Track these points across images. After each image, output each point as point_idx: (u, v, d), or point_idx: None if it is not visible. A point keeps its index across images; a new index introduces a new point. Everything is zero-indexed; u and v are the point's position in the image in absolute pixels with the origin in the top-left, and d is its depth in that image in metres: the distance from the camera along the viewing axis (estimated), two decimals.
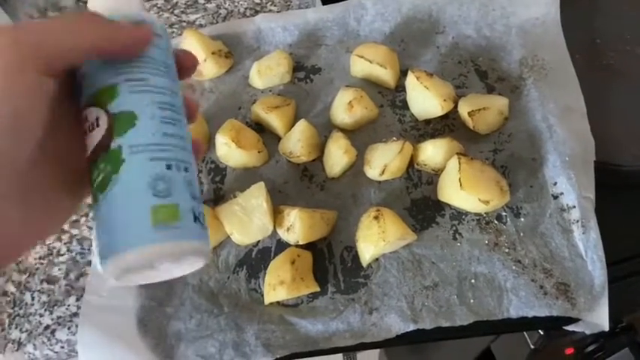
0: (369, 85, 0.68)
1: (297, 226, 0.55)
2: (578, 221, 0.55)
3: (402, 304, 0.53)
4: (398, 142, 0.60)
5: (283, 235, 0.57)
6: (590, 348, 0.60)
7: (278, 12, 0.76)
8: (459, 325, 0.52)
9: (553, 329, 0.53)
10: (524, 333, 0.57)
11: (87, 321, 0.53)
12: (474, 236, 0.57)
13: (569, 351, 0.60)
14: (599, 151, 0.58)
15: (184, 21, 0.77)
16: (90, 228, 0.61)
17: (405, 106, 0.66)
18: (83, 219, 0.62)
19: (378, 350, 1.02)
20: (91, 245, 0.60)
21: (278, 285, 0.53)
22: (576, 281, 0.53)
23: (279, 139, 0.65)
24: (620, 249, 0.57)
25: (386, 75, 0.65)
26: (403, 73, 0.68)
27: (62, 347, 0.55)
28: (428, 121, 0.64)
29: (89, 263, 0.59)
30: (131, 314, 0.54)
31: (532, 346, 0.56)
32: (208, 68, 0.69)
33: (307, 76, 0.70)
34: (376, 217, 0.55)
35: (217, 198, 0.62)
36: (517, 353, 0.60)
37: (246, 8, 0.78)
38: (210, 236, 0.56)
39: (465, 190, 0.54)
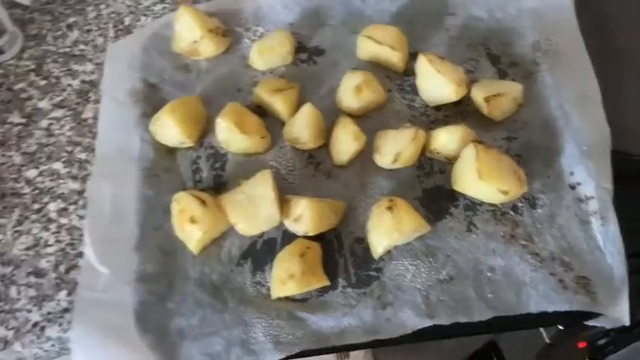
0: (376, 68, 0.64)
1: (306, 217, 0.52)
2: (596, 212, 0.54)
3: (416, 298, 0.51)
4: (410, 128, 0.57)
5: (290, 225, 0.54)
6: (602, 342, 0.59)
7: None
8: (477, 320, 0.50)
9: (573, 324, 0.52)
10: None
11: (81, 318, 0.49)
12: (489, 228, 0.54)
13: (582, 345, 0.59)
14: (614, 140, 0.56)
15: None
16: (80, 217, 0.57)
17: (414, 90, 0.63)
18: (72, 207, 0.57)
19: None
20: (82, 235, 0.55)
21: (287, 279, 0.50)
22: (596, 275, 0.51)
23: (282, 123, 0.61)
24: (635, 241, 0.55)
25: (395, 58, 0.62)
26: (411, 56, 0.65)
27: (53, 345, 0.51)
28: (438, 107, 0.62)
29: (80, 255, 0.55)
30: (129, 311, 0.50)
31: (548, 341, 0.54)
32: (205, 47, 0.64)
33: (310, 58, 0.66)
34: (389, 208, 0.52)
35: (218, 185, 0.58)
36: (528, 347, 0.58)
37: None
38: (213, 227, 0.54)
39: (483, 180, 0.52)
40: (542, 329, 0.55)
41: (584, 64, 0.61)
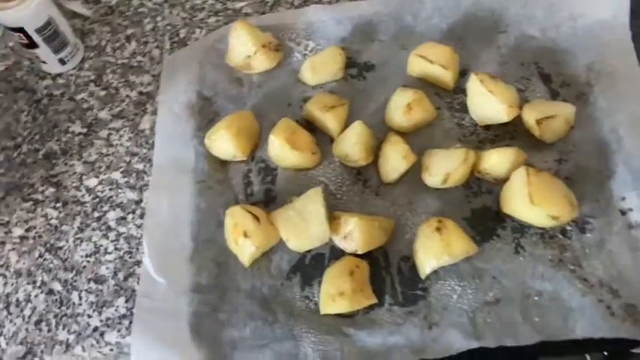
0: (426, 85, 0.65)
1: (356, 235, 0.54)
2: None
3: (462, 319, 0.52)
4: (461, 149, 0.57)
5: (339, 242, 0.55)
6: None
7: (329, 3, 0.73)
8: (523, 344, 0.50)
9: (619, 351, 0.52)
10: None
11: (140, 325, 0.52)
12: (537, 251, 0.55)
13: None
14: None
15: (230, 9, 0.74)
16: (138, 226, 0.59)
17: (463, 109, 0.63)
18: (130, 216, 0.60)
19: None
20: (139, 244, 0.58)
21: (338, 296, 0.51)
22: None
23: (330, 139, 0.62)
24: None
25: (446, 76, 0.63)
26: (461, 74, 0.65)
27: (111, 350, 0.54)
28: (488, 127, 0.62)
29: (137, 263, 0.57)
30: (184, 320, 0.53)
31: None
32: (258, 62, 0.66)
33: (360, 73, 0.67)
34: (438, 229, 0.53)
35: (268, 199, 0.60)
36: None
37: None
38: (265, 242, 0.55)
39: (535, 205, 0.52)
40: (587, 356, 0.55)
41: (639, 86, 0.60)
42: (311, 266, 0.56)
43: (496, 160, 0.57)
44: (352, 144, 0.59)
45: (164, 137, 0.63)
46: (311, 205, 0.55)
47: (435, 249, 0.52)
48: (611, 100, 0.60)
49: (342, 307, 0.51)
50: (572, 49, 0.65)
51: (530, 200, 0.52)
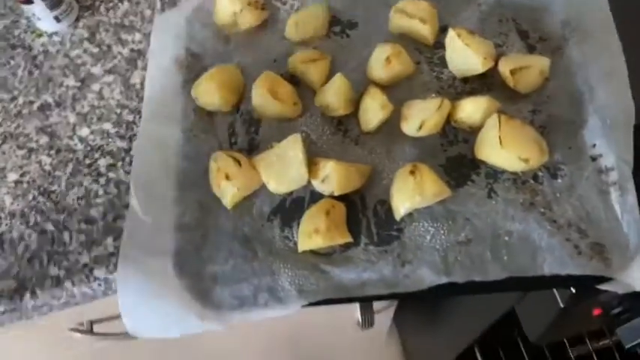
0: (407, 41, 0.67)
1: (332, 178, 0.56)
2: (615, 183, 0.55)
3: (434, 257, 0.54)
4: (436, 98, 0.59)
5: (318, 186, 0.58)
6: (617, 310, 0.61)
7: None
8: (492, 280, 0.52)
9: (585, 287, 0.54)
10: (555, 292, 0.57)
11: (125, 261, 0.54)
12: (509, 195, 0.56)
13: (597, 312, 0.61)
14: (638, 116, 0.57)
15: None
16: (127, 173, 0.62)
17: (442, 63, 0.65)
18: (119, 163, 0.63)
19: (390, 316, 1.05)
20: (128, 188, 0.61)
21: (313, 233, 0.54)
22: (611, 242, 0.53)
23: (313, 92, 0.64)
24: None
25: (425, 31, 0.64)
26: (442, 30, 0.67)
27: (99, 285, 0.56)
28: (466, 80, 0.64)
29: (125, 206, 0.60)
30: (167, 257, 0.55)
31: (562, 305, 0.56)
32: (244, 19, 0.68)
33: (343, 31, 0.69)
34: (412, 172, 0.55)
35: (252, 148, 0.62)
36: (545, 312, 0.60)
37: None
38: (246, 184, 0.58)
39: (504, 148, 0.54)
40: (557, 295, 0.57)
41: (613, 42, 0.61)
42: (291, 209, 0.58)
43: (470, 109, 0.59)
44: (332, 94, 0.61)
45: (153, 90, 0.65)
46: (290, 149, 0.57)
47: (409, 191, 0.54)
48: (585, 53, 0.62)
49: (316, 242, 0.53)
50: (550, 6, 0.66)
51: (500, 143, 0.54)
